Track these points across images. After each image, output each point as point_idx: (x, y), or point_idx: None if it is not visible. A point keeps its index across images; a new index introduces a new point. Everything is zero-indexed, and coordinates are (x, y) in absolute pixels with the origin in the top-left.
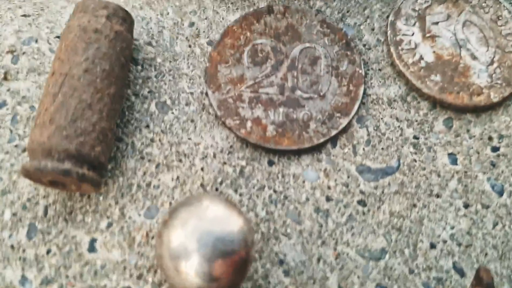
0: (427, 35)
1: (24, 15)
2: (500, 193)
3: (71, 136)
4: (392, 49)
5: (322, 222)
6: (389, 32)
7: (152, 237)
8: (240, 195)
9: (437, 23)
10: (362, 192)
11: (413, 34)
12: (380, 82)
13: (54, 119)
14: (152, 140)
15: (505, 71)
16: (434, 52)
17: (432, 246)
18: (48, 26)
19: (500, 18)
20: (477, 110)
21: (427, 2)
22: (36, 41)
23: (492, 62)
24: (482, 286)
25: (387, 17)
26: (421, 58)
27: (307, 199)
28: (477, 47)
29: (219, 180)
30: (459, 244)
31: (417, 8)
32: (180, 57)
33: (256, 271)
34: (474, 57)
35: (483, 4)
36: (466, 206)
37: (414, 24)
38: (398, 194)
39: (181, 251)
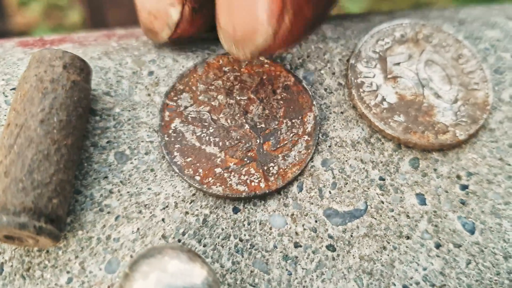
0: (389, 76)
1: None
2: (472, 231)
3: (27, 188)
4: (353, 91)
5: (291, 270)
6: (349, 75)
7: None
8: (204, 245)
9: (398, 63)
10: (330, 237)
11: (374, 76)
12: (342, 125)
13: (10, 172)
14: (111, 192)
15: (470, 108)
16: (396, 92)
17: None
18: (4, 78)
19: (461, 56)
20: (444, 149)
21: (387, 44)
22: None
23: (456, 100)
24: None
25: (347, 60)
26: (383, 99)
27: (275, 247)
28: (440, 86)
29: (181, 230)
30: (433, 286)
31: (377, 50)
32: (139, 106)
33: None
34: (437, 96)
35: (443, 44)
36: (438, 246)
37: (375, 66)
38: (367, 237)
39: None
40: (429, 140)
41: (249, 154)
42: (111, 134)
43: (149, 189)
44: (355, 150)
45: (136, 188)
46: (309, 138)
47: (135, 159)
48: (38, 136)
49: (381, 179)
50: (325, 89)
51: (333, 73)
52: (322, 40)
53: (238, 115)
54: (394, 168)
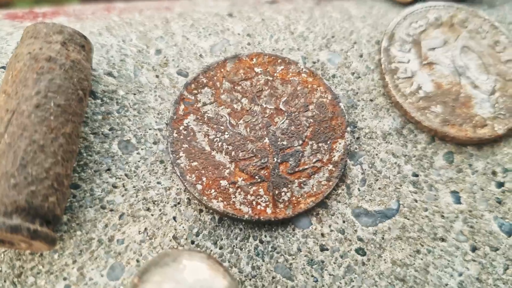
0: (424, 62)
1: None
2: (509, 233)
3: (20, 185)
4: (387, 78)
5: (317, 276)
6: (382, 59)
7: None
8: (221, 248)
9: (433, 48)
10: (360, 239)
11: (409, 61)
12: (372, 114)
13: (0, 165)
14: (114, 186)
15: (508, 100)
16: (432, 80)
17: None
18: None
19: (498, 44)
20: (481, 143)
21: (421, 27)
22: None
23: (493, 91)
24: None
25: (376, 42)
26: (420, 87)
27: (299, 250)
28: (477, 75)
29: (195, 230)
30: None
31: (411, 33)
32: (146, 89)
33: None
34: (475, 86)
35: (480, 30)
36: (474, 249)
37: (410, 50)
38: (400, 239)
39: None
40: (467, 134)
41: (261, 172)
42: (114, 120)
43: (158, 183)
44: (386, 142)
45: (144, 182)
46: (333, 169)
47: (142, 149)
48: (32, 123)
49: (415, 175)
50: (352, 73)
51: (361, 56)
52: (347, 18)
53: (260, 125)
54: (428, 163)
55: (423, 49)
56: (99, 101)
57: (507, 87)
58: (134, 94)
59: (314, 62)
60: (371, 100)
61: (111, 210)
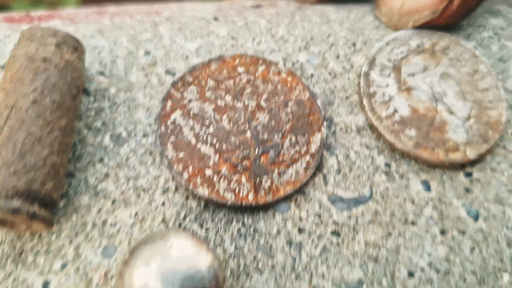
0: (403, 87)
1: None
2: (476, 218)
3: (19, 172)
4: (365, 101)
5: (295, 255)
6: (362, 83)
7: (111, 277)
8: (206, 230)
9: (413, 74)
10: (335, 223)
11: (387, 86)
12: (347, 110)
13: (0, 154)
14: (106, 175)
15: (482, 127)
16: (409, 105)
17: (410, 274)
18: None
19: (477, 72)
20: (453, 167)
21: (403, 53)
22: None
23: (469, 118)
24: None
25: (353, 44)
26: (396, 111)
27: (278, 232)
28: (454, 102)
29: (182, 215)
30: (437, 271)
31: (392, 59)
32: (135, 87)
33: None
34: (451, 112)
35: (460, 57)
36: (443, 232)
37: (389, 75)
38: (373, 223)
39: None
40: (438, 157)
41: (244, 163)
42: (106, 116)
43: (147, 172)
44: (360, 136)
45: (134, 171)
46: (310, 160)
47: (132, 142)
48: (30, 117)
49: (387, 165)
50: (329, 73)
51: (337, 57)
52: (326, 22)
53: (242, 120)
54: (399, 154)
55: (403, 74)
56: (92, 98)
57: (482, 114)
58: (125, 92)
59: (293, 63)
60: (347, 98)
61: (104, 196)
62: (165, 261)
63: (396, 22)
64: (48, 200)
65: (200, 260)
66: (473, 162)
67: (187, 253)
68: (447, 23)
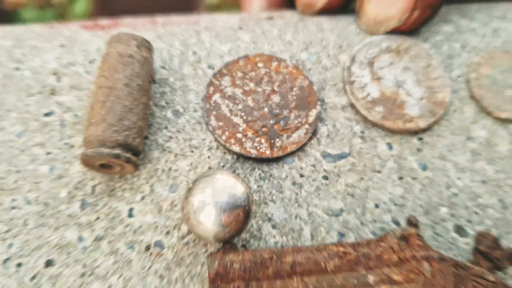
0: (374, 77)
1: (61, 46)
2: (424, 169)
3: (119, 131)
4: (347, 87)
5: (298, 191)
6: (345, 74)
7: (175, 205)
8: (238, 174)
9: (382, 68)
10: (325, 170)
11: (363, 76)
12: (335, 94)
13: (106, 119)
14: (170, 137)
15: (431, 105)
16: (379, 90)
17: (376, 206)
18: (82, 54)
19: (430, 66)
20: (409, 134)
21: (375, 52)
22: (74, 65)
23: (422, 98)
24: (411, 226)
25: (340, 46)
26: (369, 94)
27: (286, 176)
28: (411, 87)
29: (221, 164)
30: (395, 205)
31: (367, 57)
32: (187, 77)
33: (252, 226)
34: (408, 95)
35: (418, 55)
36: (400, 178)
37: (365, 69)
38: (351, 171)
39: (200, 207)
40: (399, 127)
41: (263, 129)
42: (168, 97)
43: (197, 136)
44: (344, 112)
45: (189, 135)
46: (308, 128)
47: (186, 115)
48: (123, 95)
49: (362, 132)
50: (322, 67)
51: (328, 55)
52: (320, 30)
53: (261, 100)
54: (371, 124)
55: (375, 68)
56: (157, 85)
57: (431, 96)
58: (180, 80)
59: (297, 60)
60: (334, 85)
61: (169, 152)
62: (214, 188)
63: (372, 29)
64: (136, 150)
65: (237, 187)
66: (423, 130)
67: (229, 183)
68: (409, 29)
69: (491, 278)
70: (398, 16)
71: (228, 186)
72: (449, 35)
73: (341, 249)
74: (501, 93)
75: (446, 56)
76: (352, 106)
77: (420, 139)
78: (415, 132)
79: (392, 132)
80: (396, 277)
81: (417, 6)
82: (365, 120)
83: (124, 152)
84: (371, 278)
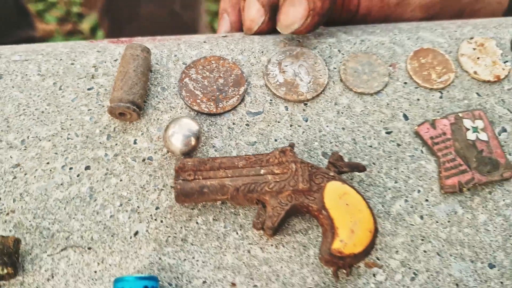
0: (281, 71)
1: (97, 51)
2: (306, 120)
3: (129, 94)
4: (265, 78)
5: (231, 132)
6: (264, 69)
7: (160, 138)
8: (195, 119)
9: (286, 65)
10: (247, 121)
11: (275, 71)
12: (257, 79)
13: (122, 88)
14: (158, 102)
15: (315, 86)
16: (284, 78)
17: (275, 140)
18: (110, 55)
19: (316, 63)
20: (299, 102)
21: (281, 57)
22: (105, 62)
23: (310, 82)
24: (290, 146)
25: (262, 52)
26: (278, 80)
27: (225, 124)
28: (303, 76)
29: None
30: (287, 140)
31: (277, 60)
32: (170, 69)
33: (202, 149)
34: (301, 80)
35: (309, 57)
36: (291, 125)
37: (276, 66)
38: (262, 121)
39: (172, 135)
40: (293, 98)
41: (212, 97)
42: (158, 80)
43: (175, 101)
44: (261, 90)
45: (169, 101)
46: (239, 97)
47: (169, 90)
48: (133, 75)
49: (270, 100)
50: (251, 64)
51: (255, 57)
52: (256, 41)
53: (212, 81)
54: (276, 97)
55: (282, 65)
56: (152, 73)
57: (316, 80)
58: (166, 71)
59: (235, 59)
60: (256, 74)
61: (158, 109)
62: (180, 125)
63: (284, 31)
64: (140, 106)
65: (193, 125)
66: (309, 100)
67: (188, 122)
68: (306, 31)
69: (331, 174)
70: (298, 21)
71: (188, 123)
72: (331, 44)
73: (247, 156)
74: (359, 77)
75: (327, 56)
76: (267, 86)
77: (305, 104)
78: (304, 103)
79: (290, 101)
80: (276, 171)
81: (310, 15)
82: (274, 95)
83: (133, 105)
84: (262, 171)
